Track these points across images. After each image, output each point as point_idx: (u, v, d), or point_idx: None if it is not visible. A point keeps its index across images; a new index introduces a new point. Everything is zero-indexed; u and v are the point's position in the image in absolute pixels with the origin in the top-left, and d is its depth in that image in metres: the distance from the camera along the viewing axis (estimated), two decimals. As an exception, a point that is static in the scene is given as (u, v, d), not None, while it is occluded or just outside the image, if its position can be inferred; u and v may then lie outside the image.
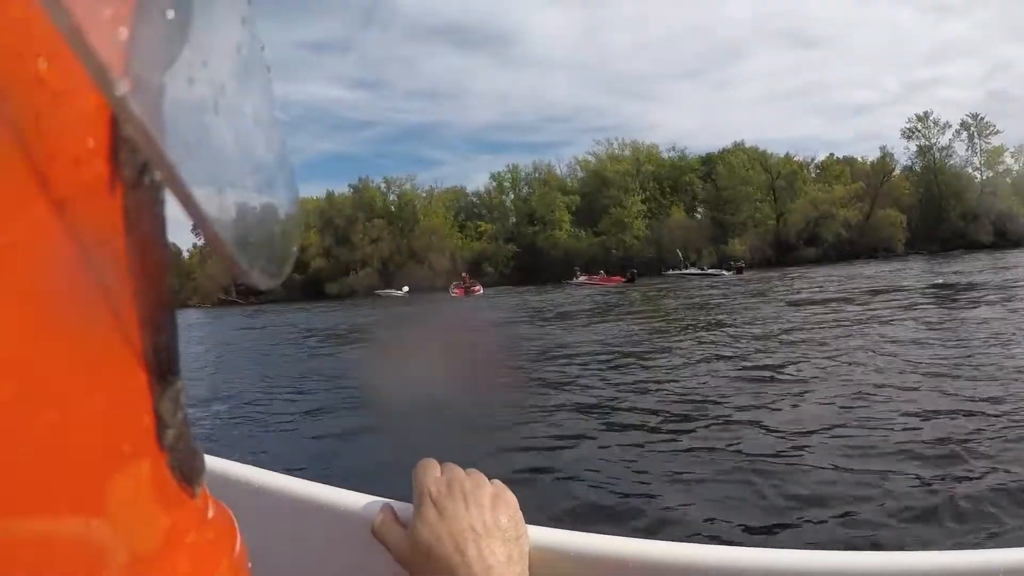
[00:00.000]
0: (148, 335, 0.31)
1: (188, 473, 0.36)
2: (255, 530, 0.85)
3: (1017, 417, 5.96)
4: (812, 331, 12.99)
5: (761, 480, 5.09)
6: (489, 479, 0.84)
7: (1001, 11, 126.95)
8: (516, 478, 4.99)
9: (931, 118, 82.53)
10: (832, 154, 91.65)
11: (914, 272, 33.41)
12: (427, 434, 6.89)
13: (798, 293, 24.53)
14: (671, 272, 64.00)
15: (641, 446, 6.28)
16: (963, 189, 76.73)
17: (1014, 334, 10.56)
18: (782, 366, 9.52)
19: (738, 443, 6.03)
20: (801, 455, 5.60)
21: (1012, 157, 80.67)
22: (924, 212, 78.25)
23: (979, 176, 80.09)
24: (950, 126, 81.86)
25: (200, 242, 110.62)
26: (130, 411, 0.31)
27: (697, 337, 13.75)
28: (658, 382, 9.37)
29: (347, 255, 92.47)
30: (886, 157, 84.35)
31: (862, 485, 4.85)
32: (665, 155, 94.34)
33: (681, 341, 13.36)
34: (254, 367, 15.64)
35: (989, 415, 6.13)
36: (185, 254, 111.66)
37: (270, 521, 0.90)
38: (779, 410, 7.09)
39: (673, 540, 0.76)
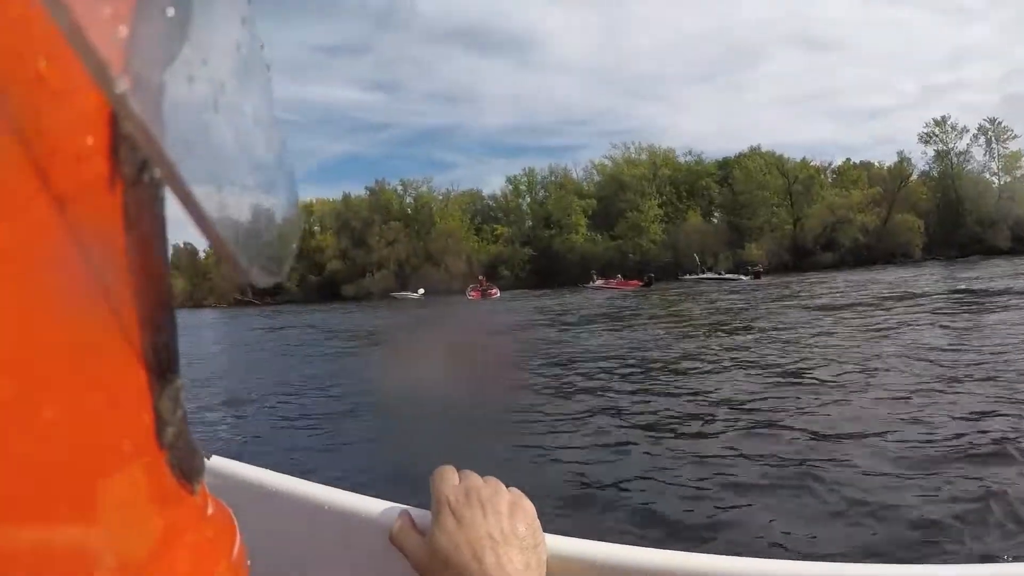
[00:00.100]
0: (148, 333, 0.31)
1: (188, 471, 0.36)
2: (272, 534, 0.89)
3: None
4: (843, 336, 12.99)
5: (804, 488, 5.03)
6: (506, 486, 0.84)
7: (1020, 14, 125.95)
8: (534, 485, 4.92)
9: (949, 123, 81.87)
10: (848, 159, 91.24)
11: (935, 278, 33.20)
12: (445, 439, 6.91)
13: (820, 298, 24.45)
14: (688, 277, 64.05)
15: (671, 452, 6.22)
16: (981, 194, 76.13)
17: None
18: (814, 371, 9.54)
19: (777, 449, 5.97)
20: (841, 461, 5.53)
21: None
22: (941, 217, 77.68)
23: (997, 181, 79.41)
24: (968, 131, 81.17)
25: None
26: (130, 409, 0.31)
27: (725, 342, 13.69)
28: (687, 388, 9.23)
29: (363, 257, 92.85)
30: (903, 162, 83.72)
31: (915, 490, 4.80)
32: (682, 159, 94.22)
33: (709, 346, 13.29)
34: (271, 368, 15.66)
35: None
36: (201, 254, 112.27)
37: (287, 525, 0.91)
38: (817, 415, 7.00)
39: (703, 551, 0.75)
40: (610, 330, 18.48)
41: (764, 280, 51.72)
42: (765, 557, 0.65)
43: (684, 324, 18.57)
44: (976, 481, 4.82)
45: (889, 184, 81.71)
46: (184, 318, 54.69)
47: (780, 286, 38.05)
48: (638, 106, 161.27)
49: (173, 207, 0.27)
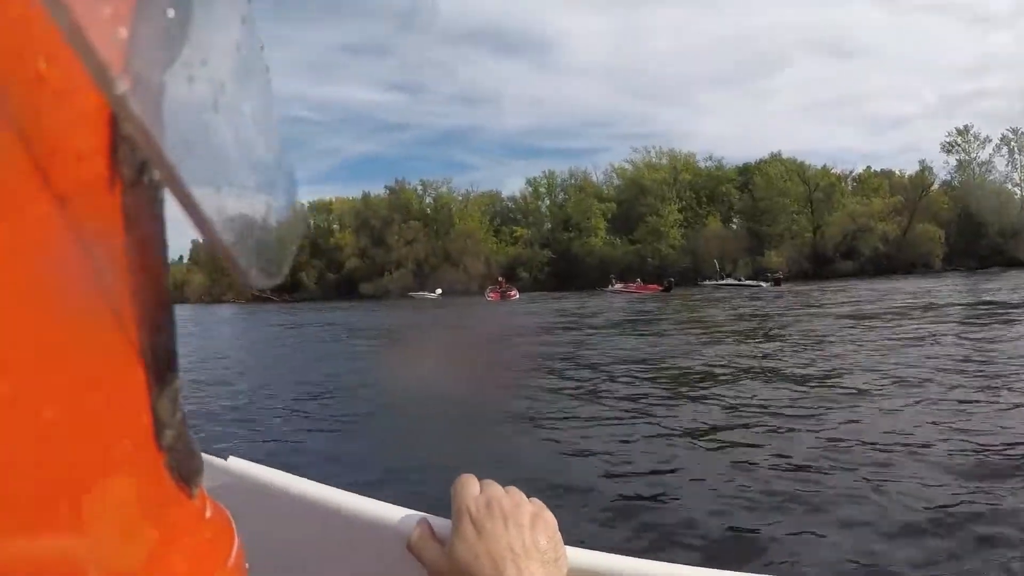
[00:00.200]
0: (147, 334, 0.31)
1: (186, 473, 0.36)
2: (288, 537, 0.91)
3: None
4: (873, 345, 12.89)
5: (842, 501, 4.89)
6: (528, 497, 0.83)
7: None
8: (555, 495, 5.08)
9: (971, 132, 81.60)
10: (869, 167, 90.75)
11: (958, 289, 33.03)
12: (465, 443, 6.91)
13: (844, 307, 24.32)
14: (707, 282, 63.97)
15: (702, 463, 6.07)
16: (1003, 205, 75.36)
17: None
18: (845, 380, 9.47)
19: (812, 462, 5.82)
20: (881, 472, 5.44)
21: (1054, 174, 79.51)
22: (962, 228, 77.02)
23: (1019, 192, 78.92)
24: (990, 140, 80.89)
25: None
26: (129, 410, 0.31)
27: (754, 349, 13.55)
28: (717, 395, 9.01)
29: (382, 256, 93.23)
30: (925, 171, 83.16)
31: (964, 503, 4.71)
32: (702, 164, 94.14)
33: (739, 353, 13.20)
34: (290, 366, 15.54)
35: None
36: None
37: (303, 528, 0.92)
38: (853, 426, 6.88)
39: (733, 569, 0.72)
40: (636, 335, 18.37)
41: (784, 287, 51.39)
42: None
43: (711, 330, 18.38)
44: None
45: (910, 193, 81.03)
46: (203, 313, 55.74)
47: (802, 294, 37.77)
48: (658, 110, 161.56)
49: (174, 208, 0.27)
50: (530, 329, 22.19)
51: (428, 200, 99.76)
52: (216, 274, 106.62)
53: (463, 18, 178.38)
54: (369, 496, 0.91)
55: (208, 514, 0.40)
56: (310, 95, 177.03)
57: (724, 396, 8.87)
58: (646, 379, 10.65)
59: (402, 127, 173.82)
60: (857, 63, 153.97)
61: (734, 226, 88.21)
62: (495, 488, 0.82)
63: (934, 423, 6.83)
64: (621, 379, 10.75)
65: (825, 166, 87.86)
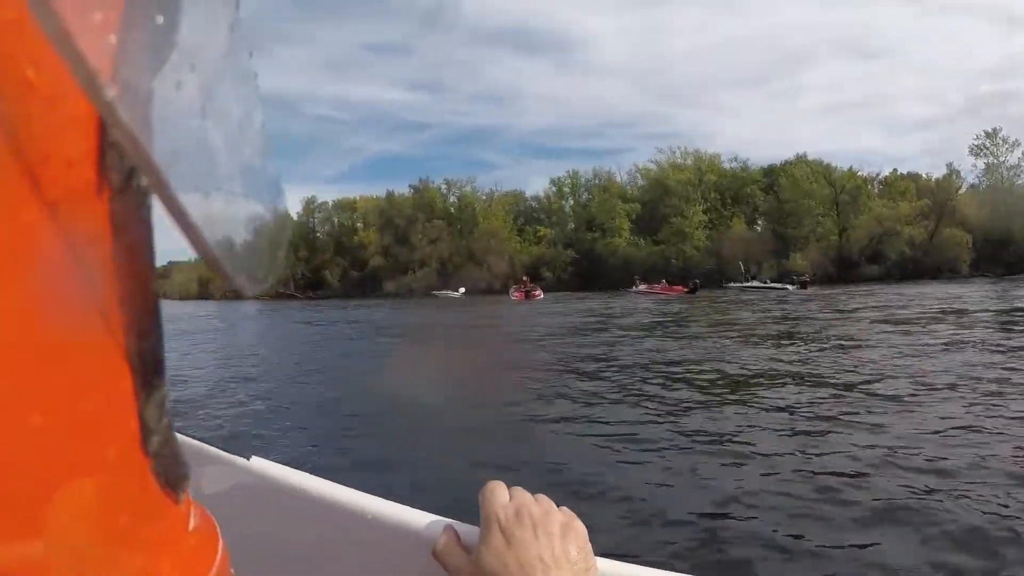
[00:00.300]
0: (135, 340, 0.31)
1: (173, 480, 0.36)
2: (310, 539, 0.92)
3: None
4: (911, 351, 12.70)
5: (887, 515, 4.68)
6: (557, 506, 0.81)
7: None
8: (586, 503, 4.98)
9: (999, 135, 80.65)
10: (896, 169, 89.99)
11: (988, 295, 32.53)
12: (492, 447, 6.78)
13: (874, 311, 24.13)
14: (732, 285, 63.74)
15: (740, 472, 5.79)
16: (1031, 210, 74.71)
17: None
18: (885, 385, 9.31)
19: (856, 471, 5.59)
20: (927, 483, 5.25)
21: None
22: (990, 233, 76.05)
23: (1049, 198, 77.93)
24: (1019, 144, 79.72)
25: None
26: (116, 416, 0.31)
27: (790, 354, 13.27)
28: (756, 401, 8.67)
29: (406, 254, 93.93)
30: (952, 174, 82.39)
31: (1014, 512, 4.60)
32: (727, 165, 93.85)
33: (776, 357, 12.99)
34: (314, 365, 15.36)
35: None
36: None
37: (325, 531, 0.91)
38: (897, 434, 6.67)
39: None
40: (668, 337, 18.13)
41: (810, 291, 51.11)
42: None
43: (744, 333, 18.00)
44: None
45: (937, 197, 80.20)
46: (227, 310, 56.20)
47: (830, 298, 37.42)
48: (682, 110, 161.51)
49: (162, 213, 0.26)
50: (558, 329, 21.97)
51: (452, 199, 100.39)
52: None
53: (486, 18, 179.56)
54: (393, 500, 0.90)
55: (194, 520, 0.40)
56: (334, 94, 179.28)
57: (762, 401, 8.71)
58: (680, 383, 10.41)
59: (425, 126, 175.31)
60: (882, 63, 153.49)
61: (758, 228, 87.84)
62: (524, 496, 0.81)
63: (979, 430, 6.75)
64: (654, 382, 10.54)
65: (851, 168, 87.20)
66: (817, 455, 6.12)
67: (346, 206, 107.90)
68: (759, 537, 4.41)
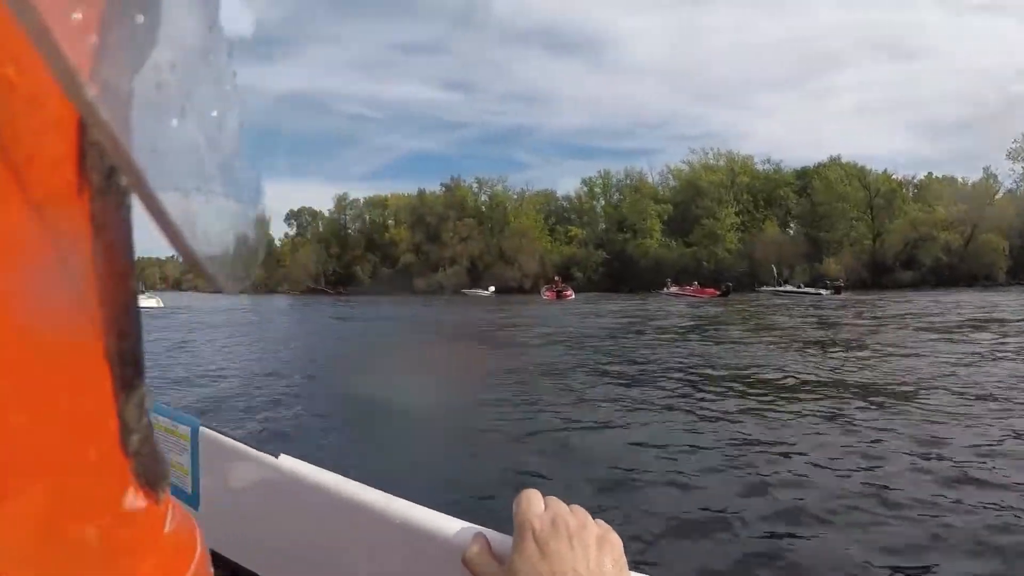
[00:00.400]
0: (115, 339, 0.31)
1: (153, 479, 0.36)
2: (338, 541, 0.92)
3: None
4: (964, 360, 12.38)
5: (951, 526, 4.47)
6: (593, 517, 0.80)
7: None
8: (622, 514, 4.79)
9: (1038, 138, 79.28)
10: (931, 173, 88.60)
11: (1026, 303, 32.24)
12: (526, 455, 6.50)
13: (913, 318, 23.73)
14: (765, 288, 63.22)
15: (786, 483, 5.48)
16: (1071, 216, 73.44)
17: None
18: (939, 397, 9.05)
19: (942, 493, 5.17)
20: (994, 499, 4.95)
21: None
22: (1028, 239, 75.11)
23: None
24: (1058, 147, 78.42)
25: (292, 232, 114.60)
26: (96, 415, 0.31)
27: (838, 362, 13.08)
28: (805, 409, 8.33)
29: (436, 252, 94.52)
30: (989, 179, 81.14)
31: None
32: (760, 167, 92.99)
33: (820, 364, 12.70)
34: (347, 362, 15.34)
35: None
36: (277, 243, 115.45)
37: (354, 533, 0.91)
38: (958, 448, 6.37)
39: None
40: (707, 341, 17.77)
41: (844, 296, 50.50)
42: None
43: (784, 338, 17.48)
44: None
45: (973, 201, 78.98)
46: (259, 304, 56.73)
47: (867, 304, 36.86)
48: (714, 111, 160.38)
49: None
50: (595, 331, 21.66)
51: (483, 198, 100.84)
52: (271, 267, 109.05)
53: (518, 17, 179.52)
54: (422, 504, 0.88)
55: (174, 519, 0.40)
56: (366, 92, 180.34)
57: (811, 409, 8.34)
58: (723, 389, 10.10)
59: (457, 125, 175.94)
60: (917, 65, 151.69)
61: (791, 231, 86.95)
62: (560, 506, 0.80)
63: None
64: (696, 388, 10.23)
65: (886, 171, 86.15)
66: (874, 469, 5.82)
67: (377, 203, 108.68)
68: (808, 554, 4.17)
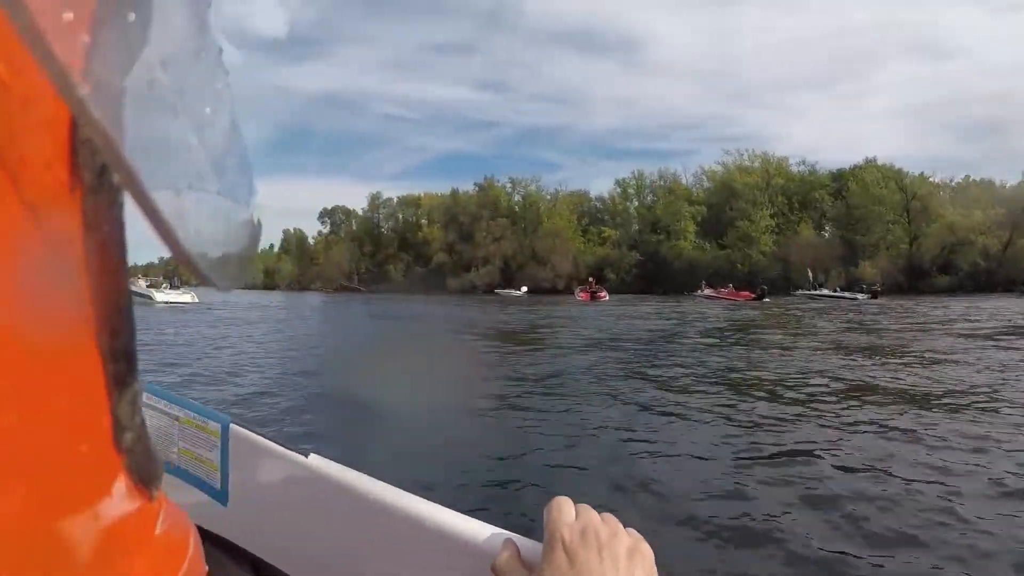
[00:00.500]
0: (107, 337, 0.32)
1: (146, 477, 0.36)
2: (365, 542, 0.95)
3: None
4: (1013, 368, 12.53)
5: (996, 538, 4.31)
6: (624, 526, 0.79)
7: None
8: (654, 524, 4.63)
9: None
10: (968, 175, 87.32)
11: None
12: (559, 461, 6.34)
13: (954, 324, 23.58)
14: (800, 292, 62.91)
15: (826, 494, 5.25)
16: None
17: None
18: (995, 406, 8.88)
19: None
20: None
21: None
22: (1066, 245, 73.69)
23: None
24: (1101, 151, 77.00)
25: (326, 230, 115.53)
26: (89, 413, 0.32)
27: (883, 367, 12.85)
28: (851, 417, 8.13)
29: (469, 252, 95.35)
30: (1029, 182, 79.91)
31: None
32: (795, 169, 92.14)
33: (869, 372, 12.41)
34: (381, 362, 14.46)
35: None
36: (311, 240, 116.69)
37: (381, 535, 0.91)
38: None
39: None
40: (749, 344, 17.60)
41: (881, 301, 50.11)
42: None
43: (827, 344, 17.10)
44: None
45: (1012, 205, 77.79)
46: (292, 300, 57.21)
47: (906, 309, 36.38)
48: (749, 112, 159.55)
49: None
50: (632, 332, 21.60)
51: (516, 198, 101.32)
52: (304, 263, 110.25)
53: (551, 18, 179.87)
54: (452, 508, 0.89)
55: (167, 516, 0.41)
56: (400, 92, 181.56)
57: (862, 418, 8.20)
58: (768, 395, 9.82)
59: (490, 125, 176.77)
60: (953, 65, 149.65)
61: (826, 234, 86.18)
62: (591, 514, 0.79)
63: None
64: (740, 394, 9.98)
65: (923, 173, 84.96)
66: (931, 483, 5.59)
67: (411, 202, 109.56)
68: (852, 569, 4.00)
